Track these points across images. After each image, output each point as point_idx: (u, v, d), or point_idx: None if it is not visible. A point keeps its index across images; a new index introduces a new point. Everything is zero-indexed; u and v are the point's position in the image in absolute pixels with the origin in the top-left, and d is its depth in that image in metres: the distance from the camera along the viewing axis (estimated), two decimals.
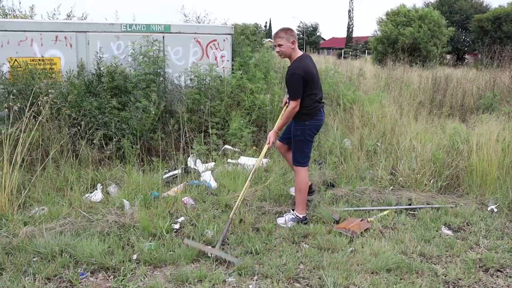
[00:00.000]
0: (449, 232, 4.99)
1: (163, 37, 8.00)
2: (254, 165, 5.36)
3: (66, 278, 3.82)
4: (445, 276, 4.04)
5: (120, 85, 6.98)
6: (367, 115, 8.31)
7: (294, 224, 4.97)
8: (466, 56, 43.72)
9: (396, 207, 5.54)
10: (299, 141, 5.02)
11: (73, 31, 7.46)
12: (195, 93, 7.66)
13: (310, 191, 5.45)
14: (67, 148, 6.10)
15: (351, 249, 4.42)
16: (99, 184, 5.75)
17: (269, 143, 5.00)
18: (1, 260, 3.97)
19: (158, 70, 7.59)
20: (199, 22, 11.18)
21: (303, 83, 4.76)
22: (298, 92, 4.78)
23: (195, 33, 8.35)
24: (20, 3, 10.02)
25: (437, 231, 4.98)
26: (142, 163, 6.57)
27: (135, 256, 4.15)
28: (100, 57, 7.25)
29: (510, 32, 34.91)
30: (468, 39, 43.28)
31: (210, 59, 8.40)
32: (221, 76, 8.11)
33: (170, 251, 4.23)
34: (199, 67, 7.94)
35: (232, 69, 8.63)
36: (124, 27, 7.79)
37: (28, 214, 4.93)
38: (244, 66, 8.63)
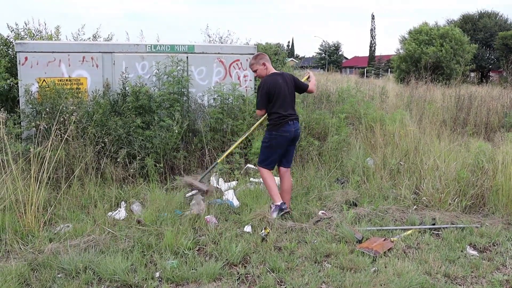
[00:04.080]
0: (475, 253, 4.90)
1: (187, 57, 8.12)
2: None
3: None
4: None
5: (144, 105, 7.09)
6: (389, 134, 8.27)
7: (277, 214, 5.50)
8: (491, 74, 43.26)
9: (419, 226, 5.48)
10: (264, 147, 5.76)
11: (99, 52, 7.64)
12: (218, 112, 7.73)
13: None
14: (91, 166, 6.20)
15: (374, 269, 4.38)
16: (122, 202, 5.82)
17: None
18: (27, 276, 4.04)
19: (182, 90, 7.70)
20: (222, 42, 11.33)
21: (267, 97, 5.61)
22: (260, 103, 5.70)
23: (219, 53, 8.46)
24: (45, 24, 10.32)
25: (462, 251, 4.90)
26: (165, 182, 6.64)
27: (157, 274, 4.18)
28: (125, 77, 7.39)
29: None
30: (492, 57, 42.84)
31: (233, 79, 8.48)
32: (243, 96, 8.18)
33: (192, 269, 4.25)
34: (222, 86, 8.02)
35: (255, 88, 8.70)
36: (149, 47, 7.94)
37: (53, 231, 5.01)
38: None
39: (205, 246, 4.77)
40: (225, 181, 6.85)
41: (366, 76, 43.20)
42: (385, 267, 4.42)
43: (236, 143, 6.43)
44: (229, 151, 6.45)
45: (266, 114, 5.79)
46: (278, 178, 6.08)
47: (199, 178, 6.39)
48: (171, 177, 6.79)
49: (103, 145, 6.45)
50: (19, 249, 4.55)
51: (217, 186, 6.64)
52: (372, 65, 57.77)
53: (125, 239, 4.81)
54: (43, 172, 5.25)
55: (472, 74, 36.40)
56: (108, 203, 5.78)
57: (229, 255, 4.49)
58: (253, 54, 8.74)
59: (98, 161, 6.44)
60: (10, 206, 5.04)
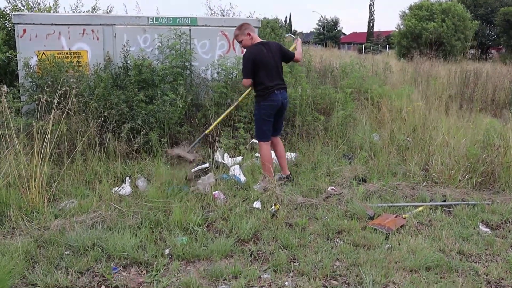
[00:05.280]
0: (487, 230, 4.83)
1: (190, 30, 7.91)
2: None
3: (98, 272, 3.76)
4: (487, 276, 3.89)
5: (147, 79, 6.91)
6: (396, 110, 8.15)
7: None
8: (490, 51, 42.98)
9: (431, 203, 5.39)
10: (256, 119, 5.82)
11: (100, 24, 7.42)
12: (222, 87, 7.57)
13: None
14: (94, 141, 6.06)
15: (387, 246, 4.29)
16: (127, 178, 5.71)
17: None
18: (34, 253, 3.94)
19: (185, 63, 7.52)
20: (223, 16, 11.10)
21: (252, 66, 5.57)
22: (245, 73, 5.63)
23: (222, 26, 8.25)
24: None
25: (474, 228, 4.82)
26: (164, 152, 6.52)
27: (167, 251, 4.08)
28: (127, 50, 7.19)
29: None
30: (492, 33, 42.49)
31: (236, 52, 8.29)
32: None
33: (203, 245, 4.15)
34: (226, 60, 7.85)
35: None
36: (151, 20, 7.73)
37: (58, 207, 4.90)
38: None
39: (214, 222, 4.67)
40: (230, 157, 6.73)
41: (365, 52, 42.88)
42: (399, 244, 4.34)
43: (223, 115, 6.58)
44: (216, 122, 6.54)
45: (252, 84, 5.80)
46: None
47: (187, 148, 6.42)
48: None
49: (105, 119, 6.29)
50: (24, 226, 4.44)
51: (223, 161, 6.52)
52: (371, 41, 57.40)
53: (133, 215, 4.69)
54: (46, 147, 5.11)
55: (472, 51, 36.12)
56: (113, 179, 5.65)
57: (240, 232, 4.39)
58: (257, 27, 8.59)
59: (101, 136, 6.29)
60: (13, 182, 4.90)
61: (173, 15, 7.89)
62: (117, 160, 6.05)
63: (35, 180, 4.87)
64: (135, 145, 6.35)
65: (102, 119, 6.25)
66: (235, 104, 6.61)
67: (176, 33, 7.57)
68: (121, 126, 6.40)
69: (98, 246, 4.08)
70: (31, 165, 4.96)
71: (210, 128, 6.56)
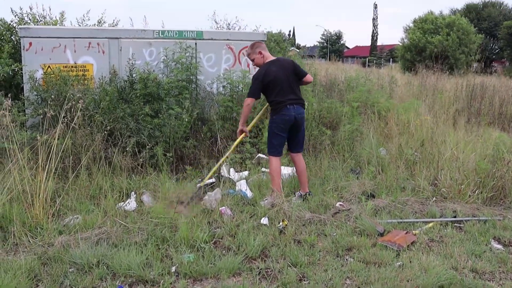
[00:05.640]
0: (500, 247, 4.72)
1: (196, 43, 7.88)
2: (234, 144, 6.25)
3: None
4: None
5: (153, 92, 6.86)
6: (403, 124, 8.07)
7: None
8: (494, 64, 42.93)
9: (441, 219, 5.29)
10: (268, 133, 5.80)
11: (106, 38, 7.40)
12: (228, 100, 7.52)
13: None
14: (99, 155, 6.00)
15: (399, 263, 4.19)
16: (132, 193, 5.63)
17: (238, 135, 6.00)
18: (38, 271, 3.86)
19: (191, 77, 7.48)
20: (229, 29, 11.08)
21: (261, 85, 5.60)
22: (252, 91, 5.65)
23: (228, 39, 8.22)
24: (50, 9, 10.02)
25: (486, 245, 4.72)
26: (176, 171, 6.45)
27: (173, 269, 3.99)
28: (132, 63, 7.16)
29: None
30: (496, 47, 42.49)
31: (242, 66, 8.26)
32: None
33: (210, 263, 4.06)
34: (232, 73, 7.80)
35: None
36: (157, 33, 7.71)
37: (62, 223, 4.82)
38: None
39: (221, 239, 4.58)
40: (236, 171, 6.65)
41: (368, 65, 42.87)
42: (410, 261, 4.24)
43: (217, 165, 6.25)
44: (211, 173, 6.16)
45: (267, 103, 5.91)
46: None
47: (195, 190, 5.78)
48: (180, 167, 6.59)
49: (110, 133, 6.23)
50: (28, 242, 4.35)
51: (229, 176, 6.44)
52: (374, 54, 57.41)
53: (138, 232, 4.61)
54: (50, 161, 5.05)
55: (475, 64, 36.07)
56: (118, 194, 5.57)
57: (248, 249, 4.30)
58: (263, 40, 8.56)
59: (106, 150, 6.23)
60: (17, 197, 4.83)
61: (178, 28, 7.87)
62: (122, 174, 5.97)
63: (39, 195, 4.79)
64: (141, 160, 6.28)
65: (107, 133, 6.19)
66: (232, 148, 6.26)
67: (181, 47, 7.54)
68: (127, 140, 6.34)
69: (103, 263, 3.99)
70: (36, 179, 4.90)
71: (214, 169, 6.19)
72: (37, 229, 4.59)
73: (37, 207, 4.73)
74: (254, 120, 6.39)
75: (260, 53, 5.78)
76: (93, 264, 3.95)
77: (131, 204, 5.36)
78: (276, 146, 5.72)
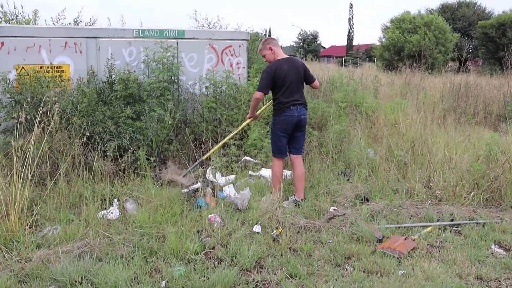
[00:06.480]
0: (501, 251, 4.56)
1: (177, 43, 7.59)
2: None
3: None
4: None
5: (134, 94, 6.54)
6: (391, 124, 7.89)
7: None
8: (468, 63, 43.41)
9: (439, 223, 5.11)
10: (271, 134, 5.81)
11: (83, 37, 7.05)
12: (211, 102, 7.24)
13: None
14: (78, 160, 5.66)
15: (402, 272, 3.98)
16: (115, 200, 5.31)
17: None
18: None
19: (172, 78, 7.18)
20: (210, 28, 10.80)
21: (271, 80, 5.52)
22: (262, 84, 5.56)
23: (210, 38, 7.95)
24: (22, 7, 9.59)
25: (487, 249, 4.56)
26: (159, 176, 6.14)
27: (163, 283, 3.70)
28: (111, 64, 6.81)
29: None
30: (470, 46, 42.97)
31: (225, 66, 7.99)
32: (237, 84, 7.70)
33: (203, 276, 3.78)
34: (215, 74, 7.53)
35: (248, 76, 8.22)
36: (137, 32, 7.39)
37: (40, 234, 4.48)
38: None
39: (213, 249, 4.31)
40: (222, 175, 6.38)
41: (345, 65, 42.88)
42: (413, 269, 4.05)
43: (222, 142, 6.48)
44: (214, 149, 6.40)
45: (271, 101, 5.88)
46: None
47: (181, 172, 6.22)
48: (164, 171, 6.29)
49: (89, 137, 5.89)
50: (3, 258, 4.01)
51: (214, 180, 6.16)
52: (350, 54, 57.53)
53: (124, 244, 4.30)
54: (26, 168, 4.71)
55: (450, 64, 36.40)
56: (99, 202, 5.24)
57: (242, 260, 4.04)
58: (246, 39, 8.31)
59: (86, 155, 5.89)
60: None
61: (159, 27, 7.56)
62: (103, 180, 5.64)
63: (14, 205, 4.45)
64: (122, 165, 5.97)
65: (87, 137, 5.85)
66: (233, 133, 6.49)
67: (162, 46, 7.24)
68: (107, 144, 6.00)
69: (87, 280, 3.67)
70: (10, 188, 4.56)
71: (207, 154, 6.39)
72: (12, 242, 4.25)
73: (12, 218, 4.39)
74: (265, 106, 6.47)
75: (271, 49, 5.72)
76: (76, 281, 3.63)
77: (114, 212, 5.04)
78: (280, 147, 5.70)
